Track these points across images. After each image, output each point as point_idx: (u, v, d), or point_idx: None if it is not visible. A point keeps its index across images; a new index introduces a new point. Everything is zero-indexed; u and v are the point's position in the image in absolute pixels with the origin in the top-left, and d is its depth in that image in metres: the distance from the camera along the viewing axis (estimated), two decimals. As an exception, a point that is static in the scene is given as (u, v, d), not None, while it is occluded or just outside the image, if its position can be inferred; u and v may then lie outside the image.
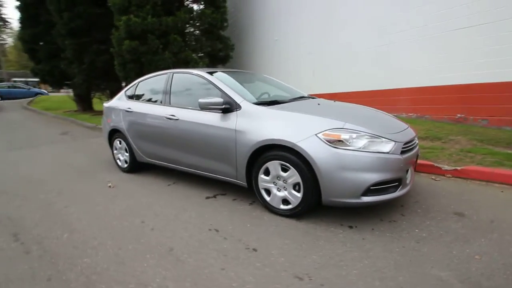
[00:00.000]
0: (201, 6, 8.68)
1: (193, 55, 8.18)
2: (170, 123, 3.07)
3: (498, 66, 4.63)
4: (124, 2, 7.90)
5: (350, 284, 1.55)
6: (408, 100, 5.97)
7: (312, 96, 3.36)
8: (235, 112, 2.57)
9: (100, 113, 12.64)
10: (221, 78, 2.94)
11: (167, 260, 1.85)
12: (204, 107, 2.64)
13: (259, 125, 2.40)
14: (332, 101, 3.15)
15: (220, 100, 2.58)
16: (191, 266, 1.78)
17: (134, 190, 3.21)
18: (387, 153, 2.07)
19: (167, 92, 3.25)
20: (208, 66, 8.88)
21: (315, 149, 2.09)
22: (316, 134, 2.12)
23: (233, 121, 2.55)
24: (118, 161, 4.01)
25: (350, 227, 2.17)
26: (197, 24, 8.54)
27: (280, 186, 2.35)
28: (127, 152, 3.79)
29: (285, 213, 2.35)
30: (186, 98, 3.10)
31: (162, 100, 3.29)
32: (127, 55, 8.02)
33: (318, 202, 2.22)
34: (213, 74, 2.99)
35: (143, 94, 3.67)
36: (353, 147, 2.06)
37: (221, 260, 1.82)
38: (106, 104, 4.22)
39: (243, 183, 2.62)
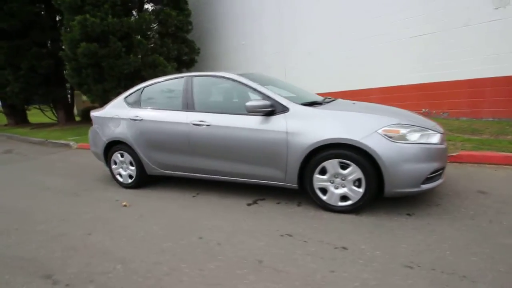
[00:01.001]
0: (165, 8, 8.21)
1: (161, 58, 7.68)
2: (199, 129, 2.85)
3: (452, 67, 5.51)
4: (76, 1, 7.01)
5: (454, 264, 1.68)
6: (378, 98, 6.65)
7: (330, 97, 3.49)
8: (282, 115, 2.54)
9: (42, 125, 11.19)
10: (255, 81, 2.85)
11: (266, 273, 1.73)
12: (252, 111, 2.53)
13: (313, 125, 2.42)
14: (353, 102, 3.33)
15: (267, 102, 2.52)
16: (297, 274, 1.69)
17: (159, 206, 2.89)
18: (436, 144, 2.31)
19: (189, 97, 3.01)
20: (176, 70, 8.46)
21: (378, 145, 2.20)
22: (376, 131, 2.24)
23: (282, 123, 2.51)
24: (118, 176, 3.54)
25: (408, 214, 2.34)
26: (163, 26, 8.04)
27: (338, 183, 2.40)
28: (132, 166, 3.37)
29: (345, 209, 2.41)
30: (215, 102, 2.93)
31: (183, 105, 3.03)
32: (83, 59, 7.12)
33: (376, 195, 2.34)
34: (244, 77, 2.89)
35: (152, 101, 3.33)
36: (410, 141, 2.24)
37: (322, 263, 1.78)
38: (96, 114, 3.69)
39: (293, 185, 2.60)
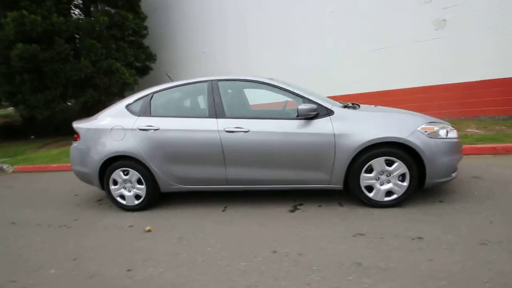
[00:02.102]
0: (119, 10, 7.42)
1: (119, 64, 6.88)
2: (235, 136, 2.66)
3: (405, 76, 6.48)
4: (8, -7, 5.78)
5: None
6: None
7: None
8: (327, 117, 2.57)
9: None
10: (290, 85, 2.82)
11: (376, 273, 1.69)
12: (304, 114, 2.49)
13: (360, 126, 2.52)
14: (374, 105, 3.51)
15: (314, 106, 2.52)
16: (404, 269, 1.71)
17: (192, 226, 2.55)
18: (456, 138, 2.69)
19: (218, 103, 2.78)
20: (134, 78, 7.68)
21: (420, 141, 2.43)
22: (417, 129, 2.48)
23: (328, 126, 2.54)
24: (119, 199, 3.01)
25: (441, 201, 2.63)
26: (119, 30, 7.23)
27: (383, 180, 2.55)
28: (140, 184, 2.91)
29: (390, 203, 2.56)
30: (248, 107, 2.76)
31: (211, 112, 2.77)
32: (19, 63, 5.87)
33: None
34: (276, 81, 2.83)
35: (166, 108, 2.96)
36: (441, 136, 2.54)
37: (416, 255, 1.84)
38: (85, 125, 3.08)
39: (338, 186, 2.64)
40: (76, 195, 3.82)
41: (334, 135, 2.52)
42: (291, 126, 2.61)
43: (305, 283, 1.67)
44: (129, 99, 3.06)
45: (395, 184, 2.53)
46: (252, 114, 2.78)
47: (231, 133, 2.67)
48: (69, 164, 5.72)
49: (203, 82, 2.92)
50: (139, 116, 2.93)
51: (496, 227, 2.09)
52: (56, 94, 6.34)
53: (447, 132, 2.58)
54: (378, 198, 2.57)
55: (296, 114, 2.56)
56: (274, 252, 2.03)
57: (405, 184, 2.51)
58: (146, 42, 8.91)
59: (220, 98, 2.80)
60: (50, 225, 2.86)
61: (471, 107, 5.95)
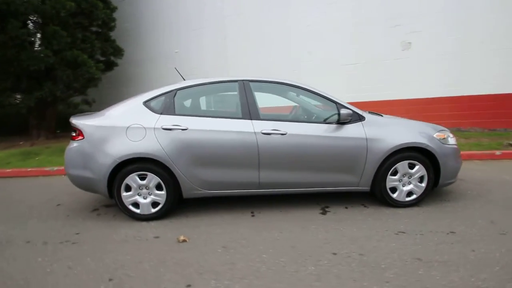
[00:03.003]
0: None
1: (85, 56, 6.13)
2: (271, 139, 2.60)
3: (373, 91, 7.17)
4: None
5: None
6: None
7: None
8: (359, 123, 2.71)
9: None
10: (321, 90, 2.88)
11: (439, 267, 1.83)
12: (345, 119, 2.58)
13: (388, 132, 2.71)
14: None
15: (351, 111, 2.63)
16: (458, 260, 1.89)
17: (228, 233, 2.40)
18: (455, 144, 3.09)
19: (252, 104, 2.69)
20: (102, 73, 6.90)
21: (437, 147, 2.73)
22: (433, 135, 2.78)
23: (361, 130, 2.68)
24: (132, 207, 2.66)
25: (448, 201, 2.97)
26: (87, 18, 6.44)
27: (405, 182, 2.78)
28: (160, 190, 2.63)
29: (410, 203, 2.80)
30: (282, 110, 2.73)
31: (244, 113, 2.67)
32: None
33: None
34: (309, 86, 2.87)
35: (193, 107, 2.75)
36: (450, 143, 2.90)
37: (459, 247, 2.05)
38: (93, 122, 2.66)
39: (365, 188, 2.79)
40: (58, 204, 3.24)
41: (367, 139, 2.67)
42: (327, 130, 2.69)
43: (384, 281, 1.72)
44: (148, 95, 2.75)
45: (415, 185, 2.78)
46: (284, 116, 2.77)
47: (268, 135, 2.61)
48: (28, 169, 4.89)
49: (233, 81, 2.81)
50: (161, 114, 2.66)
51: (502, 220, 2.46)
52: (6, 86, 5.30)
53: (451, 138, 2.96)
54: (400, 199, 2.79)
55: (338, 119, 2.65)
56: (335, 254, 2.04)
57: (423, 185, 2.79)
58: (112, 35, 8.10)
59: (254, 98, 2.73)
60: (46, 242, 2.36)
61: (430, 120, 6.89)
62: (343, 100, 3.02)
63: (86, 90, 6.94)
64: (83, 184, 2.74)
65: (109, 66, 8.02)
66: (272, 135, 2.62)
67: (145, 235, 2.43)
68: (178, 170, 2.59)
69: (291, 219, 2.66)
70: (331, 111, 2.77)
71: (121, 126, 2.61)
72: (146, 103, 2.71)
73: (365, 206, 2.88)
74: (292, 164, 2.67)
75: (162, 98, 2.73)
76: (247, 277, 1.81)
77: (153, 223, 2.65)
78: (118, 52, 7.72)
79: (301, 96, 2.95)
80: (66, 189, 3.68)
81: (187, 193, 2.70)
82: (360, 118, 2.74)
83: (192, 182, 2.64)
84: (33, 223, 2.77)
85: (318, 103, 2.92)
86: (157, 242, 2.31)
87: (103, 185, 2.62)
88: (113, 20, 7.27)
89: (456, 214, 2.63)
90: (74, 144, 2.68)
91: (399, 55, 6.70)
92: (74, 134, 2.74)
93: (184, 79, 3.29)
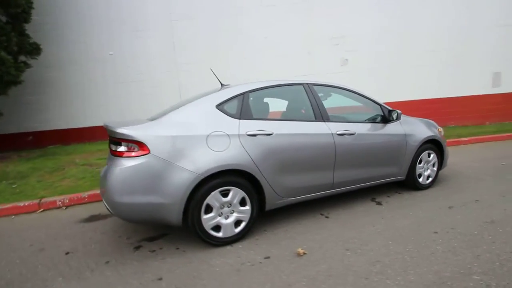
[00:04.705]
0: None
1: (3, 53, 4.51)
2: (344, 139, 2.70)
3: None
4: None
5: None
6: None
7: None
8: (397, 122, 3.14)
9: None
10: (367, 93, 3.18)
11: (510, 225, 2.40)
12: (397, 118, 2.93)
13: (414, 128, 3.26)
14: None
15: (400, 112, 3.03)
16: (506, 220, 2.51)
17: (337, 238, 2.38)
18: (439, 136, 3.98)
19: (321, 106, 2.71)
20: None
21: (440, 138, 3.49)
22: (437, 129, 3.53)
23: (399, 128, 3.13)
24: (212, 231, 2.23)
25: (447, 182, 3.80)
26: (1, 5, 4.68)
27: (425, 168, 3.40)
28: (244, 205, 2.31)
29: (429, 185, 3.43)
30: (343, 111, 2.84)
31: (317, 115, 2.66)
32: None
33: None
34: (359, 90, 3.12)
35: (266, 110, 2.49)
36: (442, 134, 3.73)
37: (493, 211, 2.70)
38: (156, 132, 2.07)
39: (403, 177, 3.25)
40: (92, 246, 2.28)
41: (405, 135, 3.16)
42: (380, 128, 3.02)
43: (487, 241, 2.13)
44: (219, 98, 2.36)
45: (432, 170, 3.46)
46: (346, 117, 2.93)
47: (341, 136, 2.71)
48: None
49: (298, 84, 2.77)
50: (240, 119, 2.34)
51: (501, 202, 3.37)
52: None
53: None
54: (423, 183, 3.40)
55: (386, 118, 3.03)
56: (436, 232, 2.33)
57: (435, 169, 3.49)
58: (26, 28, 6.11)
59: (321, 101, 2.77)
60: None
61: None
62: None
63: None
64: (144, 213, 2.08)
65: (20, 65, 6.03)
66: (344, 136, 2.74)
67: (251, 258, 2.07)
68: (265, 180, 2.34)
69: (362, 214, 2.80)
70: (375, 111, 3.13)
71: (201, 135, 2.15)
72: (219, 107, 2.33)
73: (399, 193, 3.34)
74: (358, 162, 2.86)
75: (235, 101, 2.41)
76: (403, 265, 1.88)
77: (240, 245, 2.28)
78: (36, 50, 5.91)
79: (349, 98, 3.18)
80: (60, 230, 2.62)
81: (270, 204, 2.46)
82: (398, 118, 3.21)
83: (276, 191, 2.44)
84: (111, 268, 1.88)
85: (360, 104, 3.23)
86: (274, 261, 2.02)
87: (177, 210, 2.08)
88: (31, 8, 5.53)
89: (466, 191, 3.32)
90: (130, 162, 2.01)
91: (339, 69, 7.92)
92: (122, 150, 2.06)
93: (221, 83, 3.00)
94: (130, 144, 2.06)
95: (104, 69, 7.49)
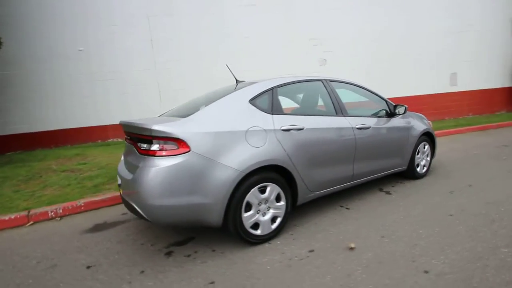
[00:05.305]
0: None
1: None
2: (363, 133, 2.82)
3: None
4: None
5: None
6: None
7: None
8: (401, 115, 3.36)
9: None
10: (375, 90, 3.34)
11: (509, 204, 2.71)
12: (404, 112, 3.11)
13: (413, 122, 3.52)
14: None
15: (407, 106, 3.24)
16: (504, 197, 2.84)
17: (368, 227, 2.48)
18: (425, 129, 4.35)
19: (339, 101, 2.78)
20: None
21: (433, 132, 3.81)
22: (428, 122, 3.85)
23: (402, 121, 3.35)
24: (252, 230, 2.17)
25: (436, 170, 4.15)
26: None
27: (422, 158, 3.69)
28: (279, 201, 2.29)
29: (425, 174, 3.73)
30: (356, 106, 2.95)
31: (337, 110, 2.74)
32: None
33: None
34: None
35: (287, 105, 2.49)
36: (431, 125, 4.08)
37: (487, 191, 3.04)
38: (196, 129, 1.96)
39: (404, 167, 3.48)
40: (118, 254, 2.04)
41: (408, 128, 3.40)
42: (389, 122, 3.21)
43: (493, 219, 2.40)
44: (248, 92, 2.30)
45: (426, 160, 3.76)
46: (360, 112, 3.05)
47: (360, 130, 2.82)
48: None
49: (317, 80, 2.82)
50: (272, 114, 2.30)
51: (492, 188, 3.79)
52: None
53: (427, 123, 4.19)
54: (420, 172, 3.68)
55: (403, 111, 3.26)
56: (451, 215, 2.55)
57: (429, 159, 3.81)
58: None
59: (339, 96, 2.84)
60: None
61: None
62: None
63: None
64: (183, 215, 1.94)
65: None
66: (362, 130, 2.85)
67: (296, 253, 2.06)
68: (298, 174, 2.35)
69: (378, 203, 2.94)
70: (381, 106, 3.31)
71: (240, 130, 2.08)
72: (252, 102, 2.27)
73: (402, 183, 3.58)
74: (373, 154, 3.00)
75: (266, 96, 2.38)
76: (439, 246, 2.02)
77: (278, 241, 2.25)
78: (-5, 43, 5.14)
79: (357, 93, 3.31)
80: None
81: (301, 199, 2.47)
82: (400, 112, 3.43)
83: (307, 186, 2.46)
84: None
85: (367, 99, 3.39)
86: (320, 254, 2.04)
87: (219, 210, 1.99)
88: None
89: (456, 178, 3.69)
90: (169, 162, 1.87)
91: (317, 69, 8.20)
92: (156, 148, 1.91)
93: (236, 79, 2.94)
94: (167, 142, 1.91)
95: (77, 67, 6.80)
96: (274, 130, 2.25)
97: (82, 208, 3.20)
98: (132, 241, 2.42)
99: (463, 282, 1.68)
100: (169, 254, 2.18)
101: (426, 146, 3.73)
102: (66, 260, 2.18)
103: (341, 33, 8.12)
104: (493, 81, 9.09)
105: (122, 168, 2.41)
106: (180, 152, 1.90)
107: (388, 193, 3.25)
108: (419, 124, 3.61)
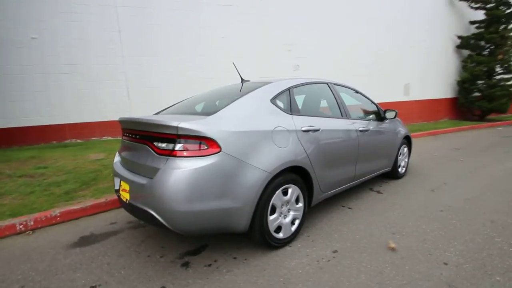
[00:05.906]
0: None
1: None
2: (364, 135, 2.95)
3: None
4: None
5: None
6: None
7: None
8: (388, 120, 3.59)
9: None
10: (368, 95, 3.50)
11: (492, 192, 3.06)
12: (391, 117, 3.33)
13: (396, 126, 3.80)
14: None
15: (397, 112, 3.47)
16: (480, 184, 3.23)
17: (386, 228, 2.58)
18: (399, 133, 4.75)
19: (343, 104, 2.87)
20: None
21: (410, 135, 4.18)
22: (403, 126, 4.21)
23: (392, 125, 3.61)
24: (275, 233, 2.09)
25: (412, 169, 4.53)
26: None
27: (402, 160, 4.00)
28: (299, 203, 2.27)
29: (403, 175, 4.05)
30: (353, 109, 3.05)
31: (343, 112, 2.81)
32: None
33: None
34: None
35: (306, 106, 2.52)
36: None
37: (468, 180, 3.43)
38: (229, 127, 1.84)
39: (389, 168, 3.73)
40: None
41: (396, 132, 3.66)
42: (382, 125, 3.41)
43: (493, 211, 2.71)
44: (269, 91, 2.22)
45: (404, 161, 4.10)
46: (358, 115, 3.17)
47: (361, 132, 2.94)
48: None
49: (323, 83, 2.86)
50: (292, 114, 2.26)
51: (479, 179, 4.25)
52: None
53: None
54: (401, 172, 4.00)
55: (393, 115, 3.47)
56: (441, 211, 2.80)
57: (407, 160, 4.16)
58: None
59: (342, 100, 2.93)
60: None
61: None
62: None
63: None
64: (210, 222, 1.78)
65: None
66: (364, 132, 2.98)
67: (321, 255, 2.04)
68: (315, 175, 2.35)
69: (373, 202, 3.09)
70: (372, 110, 3.50)
71: (267, 130, 1.99)
72: (273, 101, 2.19)
73: (386, 183, 3.83)
74: (370, 155, 3.16)
75: (284, 96, 2.33)
76: (445, 239, 2.20)
77: (298, 244, 2.21)
78: None
79: (353, 97, 3.44)
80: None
81: (315, 200, 2.47)
82: (396, 117, 3.68)
83: (321, 187, 2.46)
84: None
85: (360, 103, 3.55)
86: (345, 253, 2.05)
87: (247, 214, 1.88)
88: None
89: (436, 176, 4.13)
90: (198, 163, 1.69)
91: (292, 74, 8.42)
92: (181, 148, 1.72)
93: (242, 78, 2.86)
94: (195, 141, 1.73)
95: (29, 57, 5.89)
96: (296, 130, 2.22)
97: (58, 219, 2.74)
98: (135, 254, 2.14)
99: (479, 270, 1.85)
100: (186, 265, 1.98)
101: (405, 149, 4.07)
102: (60, 281, 1.83)
103: (312, 40, 8.48)
104: (438, 92, 10.40)
105: (123, 171, 2.13)
106: (211, 153, 1.74)
107: (379, 192, 3.45)
108: (402, 127, 3.93)
